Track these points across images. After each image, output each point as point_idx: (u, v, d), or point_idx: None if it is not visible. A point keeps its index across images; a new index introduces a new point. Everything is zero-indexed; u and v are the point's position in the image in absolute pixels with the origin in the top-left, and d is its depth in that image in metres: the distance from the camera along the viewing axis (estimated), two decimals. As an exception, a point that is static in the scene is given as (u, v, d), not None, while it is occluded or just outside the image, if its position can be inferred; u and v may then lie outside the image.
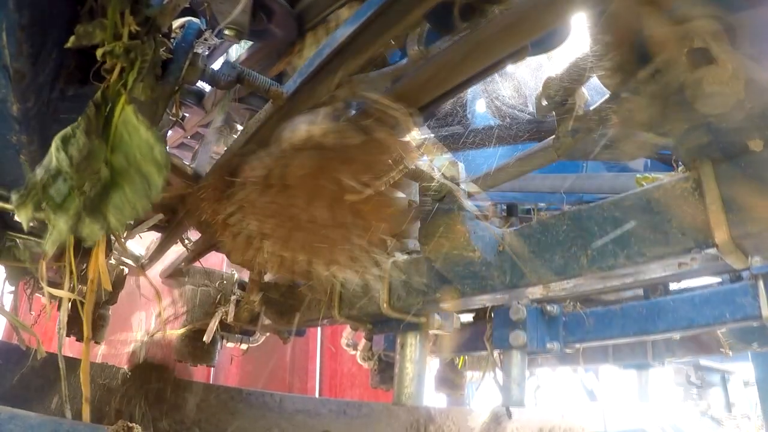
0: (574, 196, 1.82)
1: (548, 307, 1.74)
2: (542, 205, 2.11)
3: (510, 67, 1.58)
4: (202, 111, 1.77)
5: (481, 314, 1.91)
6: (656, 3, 0.66)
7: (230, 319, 1.96)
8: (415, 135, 0.93)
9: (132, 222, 1.22)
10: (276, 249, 0.97)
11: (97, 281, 0.92)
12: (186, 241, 1.67)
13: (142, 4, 0.77)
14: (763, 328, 1.66)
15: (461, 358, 2.34)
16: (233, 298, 2.01)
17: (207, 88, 1.76)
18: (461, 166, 1.00)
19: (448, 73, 0.88)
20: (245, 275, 2.02)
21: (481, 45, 0.83)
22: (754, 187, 0.68)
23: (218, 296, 2.04)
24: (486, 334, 1.77)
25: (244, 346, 2.19)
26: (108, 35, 0.73)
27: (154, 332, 2.11)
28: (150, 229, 1.51)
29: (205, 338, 1.96)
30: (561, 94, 0.93)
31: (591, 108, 0.93)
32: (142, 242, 1.88)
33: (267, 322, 1.93)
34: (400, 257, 1.23)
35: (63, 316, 1.06)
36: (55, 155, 0.73)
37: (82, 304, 0.94)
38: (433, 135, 1.73)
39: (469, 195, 1.03)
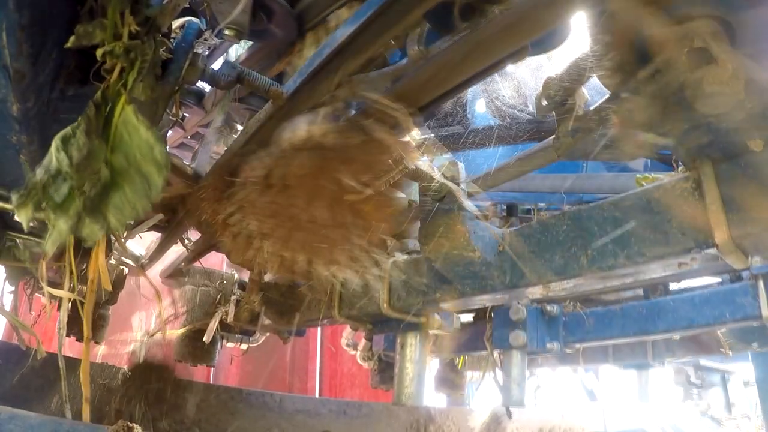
0: (574, 196, 1.82)
1: (548, 307, 1.74)
2: (542, 205, 2.11)
3: (510, 67, 1.58)
4: (202, 111, 1.77)
5: (481, 314, 1.90)
6: (656, 3, 0.66)
7: (230, 319, 1.96)
8: (415, 135, 0.93)
9: (132, 222, 1.22)
10: (276, 249, 0.97)
11: (97, 281, 0.92)
12: (186, 241, 1.67)
13: (142, 4, 0.77)
14: (763, 328, 1.66)
15: (461, 358, 2.34)
16: (233, 298, 2.01)
17: (207, 88, 1.76)
18: (461, 166, 1.00)
19: (448, 73, 0.88)
20: (245, 275, 2.02)
21: (481, 45, 0.83)
22: (754, 187, 0.68)
23: (218, 296, 2.04)
24: (486, 334, 1.77)
25: (244, 346, 2.19)
26: (108, 35, 0.73)
27: (154, 332, 2.11)
28: (150, 229, 1.51)
29: (205, 338, 1.96)
30: (561, 94, 0.93)
31: (591, 108, 0.93)
32: (142, 242, 1.88)
33: (267, 322, 1.93)
34: (400, 257, 1.23)
35: (63, 316, 1.06)
36: (55, 155, 0.73)
37: (82, 304, 0.94)
38: (433, 135, 1.73)
39: (469, 195, 1.03)
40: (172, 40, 0.92)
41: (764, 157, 0.68)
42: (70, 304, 1.18)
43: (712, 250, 0.73)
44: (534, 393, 2.68)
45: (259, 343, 2.22)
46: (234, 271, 2.11)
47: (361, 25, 0.84)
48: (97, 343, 1.95)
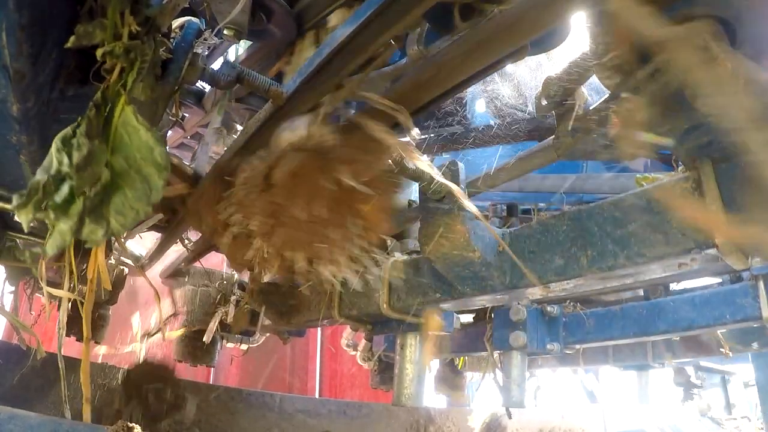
0: (574, 196, 1.82)
1: (548, 308, 1.74)
2: (542, 205, 2.11)
3: (510, 67, 1.58)
4: (202, 111, 1.77)
5: (481, 315, 1.90)
6: (656, 3, 0.66)
7: (230, 319, 1.96)
8: (415, 135, 0.93)
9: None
10: (276, 249, 0.97)
11: (97, 281, 0.92)
12: (186, 241, 1.67)
13: (142, 4, 0.77)
14: (763, 329, 1.66)
15: (461, 358, 2.34)
16: (233, 298, 2.01)
17: (207, 88, 1.76)
18: (461, 166, 1.00)
19: (448, 72, 0.88)
20: (245, 275, 2.02)
21: (481, 45, 0.83)
22: (754, 187, 0.68)
23: (218, 296, 2.04)
24: (486, 334, 1.77)
25: (244, 347, 2.19)
26: (108, 35, 0.73)
27: (154, 332, 2.11)
28: (150, 229, 1.51)
29: (204, 339, 1.96)
30: (561, 93, 0.93)
31: (591, 108, 0.93)
32: (142, 242, 1.88)
33: (267, 322, 1.93)
34: (400, 257, 1.23)
35: (63, 316, 1.06)
36: (55, 156, 0.73)
37: (82, 303, 0.94)
38: (433, 135, 1.74)
39: (470, 195, 1.03)
40: (171, 40, 0.92)
41: (764, 157, 0.68)
42: (70, 304, 1.18)
43: (712, 251, 0.73)
44: (534, 394, 2.68)
45: (259, 343, 2.22)
46: (234, 271, 2.11)
47: (360, 25, 0.84)
48: (97, 343, 1.95)
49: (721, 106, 0.65)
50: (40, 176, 0.73)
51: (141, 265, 1.80)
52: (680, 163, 0.82)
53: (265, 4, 1.19)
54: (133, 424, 0.94)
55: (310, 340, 4.43)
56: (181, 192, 1.23)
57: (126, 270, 1.98)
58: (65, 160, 0.72)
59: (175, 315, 2.10)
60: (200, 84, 1.65)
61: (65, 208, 0.73)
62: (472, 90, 1.77)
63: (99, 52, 0.73)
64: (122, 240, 1.41)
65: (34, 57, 0.68)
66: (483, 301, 1.10)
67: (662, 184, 0.79)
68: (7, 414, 0.87)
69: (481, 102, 1.85)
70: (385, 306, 1.19)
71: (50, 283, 1.26)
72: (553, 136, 1.03)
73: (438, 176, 0.93)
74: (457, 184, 0.94)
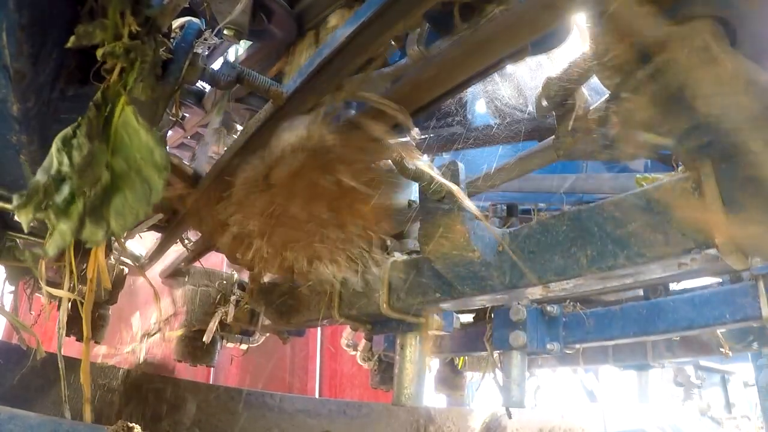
0: (574, 196, 1.82)
1: (548, 308, 1.74)
2: (542, 205, 2.11)
3: (510, 68, 1.58)
4: (202, 111, 1.77)
5: (481, 315, 1.90)
6: (656, 3, 0.66)
7: (230, 319, 1.96)
8: (415, 135, 0.93)
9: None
10: (276, 249, 0.97)
11: (97, 281, 0.92)
12: (186, 241, 1.67)
13: (143, 5, 0.77)
14: (763, 328, 1.66)
15: (461, 358, 2.34)
16: (233, 298, 2.01)
17: (207, 88, 1.76)
18: (461, 166, 1.00)
19: (448, 73, 0.89)
20: (245, 275, 2.02)
21: (481, 45, 0.83)
22: (754, 187, 0.68)
23: (218, 296, 2.04)
24: (486, 334, 1.77)
25: (243, 347, 2.19)
26: (108, 35, 0.73)
27: (154, 333, 2.11)
28: (150, 229, 1.51)
29: (204, 338, 1.96)
30: (561, 94, 0.93)
31: (591, 108, 0.93)
32: (142, 242, 1.88)
33: (267, 322, 1.92)
34: (400, 257, 1.23)
35: (63, 316, 1.06)
36: (55, 157, 0.73)
37: (82, 303, 0.94)
38: (433, 135, 1.74)
39: (470, 195, 1.03)
40: (172, 40, 0.92)
41: (764, 157, 0.68)
42: (69, 304, 1.18)
43: (712, 251, 0.73)
44: (534, 394, 2.68)
45: (258, 343, 2.22)
46: (234, 271, 2.11)
47: (361, 25, 0.84)
48: (97, 343, 1.95)
49: (721, 106, 0.65)
50: (41, 177, 0.73)
51: (141, 265, 1.80)
52: (680, 163, 0.82)
53: (265, 5, 1.19)
54: (133, 424, 0.94)
55: (310, 340, 4.43)
56: (181, 192, 1.23)
57: (126, 270, 1.98)
58: (65, 160, 0.72)
59: (175, 315, 2.10)
60: (200, 84, 1.65)
61: (65, 209, 0.73)
62: (472, 90, 1.77)
63: (99, 52, 0.73)
64: (122, 240, 1.41)
65: (34, 57, 0.68)
66: (483, 300, 1.10)
67: (662, 184, 0.79)
68: (7, 414, 0.87)
69: (481, 102, 1.85)
70: (384, 306, 1.19)
71: (50, 283, 1.26)
72: (553, 136, 1.03)
73: (438, 176, 0.93)
74: (457, 184, 0.94)
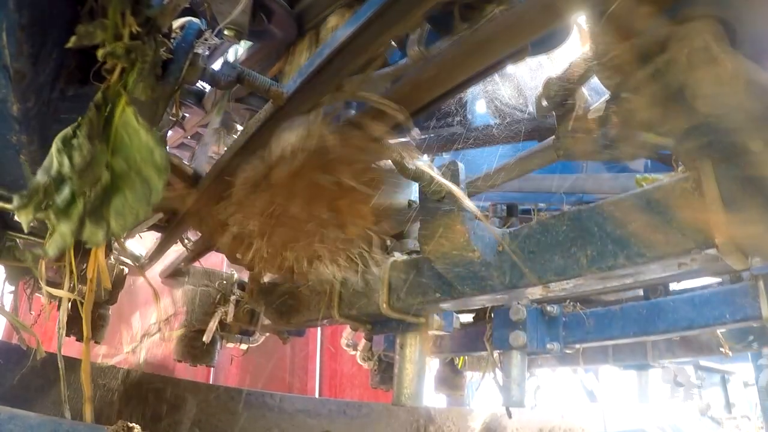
0: (574, 196, 1.82)
1: (548, 308, 1.74)
2: (542, 205, 2.11)
3: (510, 68, 1.58)
4: (202, 111, 1.77)
5: (481, 315, 1.90)
6: (656, 3, 0.66)
7: (230, 319, 1.96)
8: (415, 135, 0.93)
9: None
10: (276, 249, 0.97)
11: (97, 281, 0.92)
12: (186, 241, 1.67)
13: (143, 5, 0.77)
14: (763, 328, 1.66)
15: (461, 358, 2.34)
16: (233, 298, 2.01)
17: (207, 88, 1.76)
18: (461, 166, 1.00)
19: (448, 73, 0.89)
20: (245, 275, 2.02)
21: (481, 45, 0.83)
22: (754, 187, 0.68)
23: (218, 296, 2.04)
24: (486, 334, 1.77)
25: (243, 346, 2.19)
26: (109, 35, 0.73)
27: (154, 333, 2.11)
28: (150, 228, 1.51)
29: (204, 338, 1.96)
30: (561, 94, 0.93)
31: (591, 108, 0.93)
32: (142, 242, 1.88)
33: (267, 322, 1.93)
34: (400, 257, 1.23)
35: (63, 315, 1.06)
36: (56, 157, 0.73)
37: (82, 303, 0.94)
38: (433, 135, 1.74)
39: (470, 195, 1.03)
40: (172, 40, 0.92)
41: (764, 157, 0.68)
42: (69, 303, 1.18)
43: (712, 251, 0.73)
44: (534, 393, 2.68)
45: (258, 343, 2.22)
46: (234, 271, 2.11)
47: (361, 25, 0.84)
48: (97, 343, 1.95)
49: (721, 106, 0.65)
50: (41, 177, 0.73)
51: (141, 265, 1.80)
52: (680, 163, 0.82)
53: (265, 5, 1.19)
54: (133, 424, 0.94)
55: (309, 340, 4.43)
56: (181, 192, 1.23)
57: (126, 270, 1.98)
58: (66, 161, 0.72)
59: (174, 315, 2.09)
60: (200, 84, 1.65)
61: (66, 210, 0.73)
62: (472, 90, 1.77)
63: (100, 53, 0.73)
64: (122, 240, 1.41)
65: (34, 57, 0.68)
66: (483, 300, 1.10)
67: (662, 184, 0.79)
68: (7, 414, 0.87)
69: (481, 102, 1.85)
70: (384, 306, 1.19)
71: (50, 283, 1.26)
72: (553, 137, 1.03)
73: (438, 176, 0.93)
74: (457, 184, 0.94)
